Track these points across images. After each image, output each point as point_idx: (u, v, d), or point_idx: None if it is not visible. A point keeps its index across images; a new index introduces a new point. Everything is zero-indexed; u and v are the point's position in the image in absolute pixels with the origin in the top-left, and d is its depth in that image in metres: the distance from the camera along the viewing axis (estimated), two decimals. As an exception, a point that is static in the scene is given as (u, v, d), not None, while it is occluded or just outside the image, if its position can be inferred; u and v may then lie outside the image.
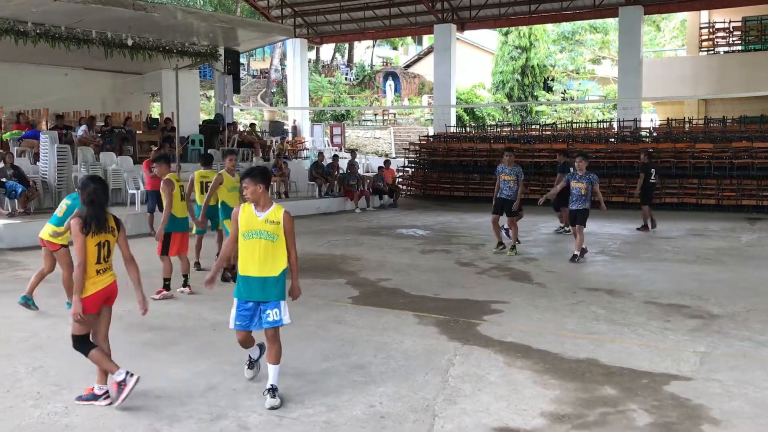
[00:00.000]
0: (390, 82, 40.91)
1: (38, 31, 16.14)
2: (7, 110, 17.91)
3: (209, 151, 19.35)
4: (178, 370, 5.72)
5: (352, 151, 23.37)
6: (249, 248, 4.94)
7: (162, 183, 8.77)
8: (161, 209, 13.03)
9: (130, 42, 17.93)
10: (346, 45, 48.35)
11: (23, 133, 16.75)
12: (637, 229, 14.77)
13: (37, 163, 15.63)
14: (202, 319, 7.42)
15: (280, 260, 4.96)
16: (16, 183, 13.72)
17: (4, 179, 13.56)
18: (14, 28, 15.75)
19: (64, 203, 7.31)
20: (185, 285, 8.71)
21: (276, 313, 4.96)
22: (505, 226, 12.40)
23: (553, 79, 40.49)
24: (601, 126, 24.32)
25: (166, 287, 8.43)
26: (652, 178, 14.93)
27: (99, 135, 17.89)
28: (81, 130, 17.25)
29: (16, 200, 13.65)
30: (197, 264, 10.13)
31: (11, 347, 6.42)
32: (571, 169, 12.24)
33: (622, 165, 19.66)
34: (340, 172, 20.36)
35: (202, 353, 6.20)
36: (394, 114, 39.11)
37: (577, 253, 10.85)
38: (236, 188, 9.22)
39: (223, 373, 5.63)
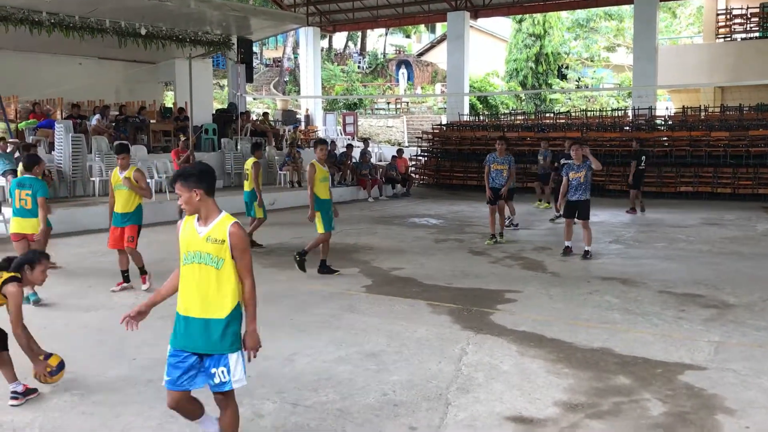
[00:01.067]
0: (403, 71, 40.77)
1: (52, 20, 16.22)
2: (23, 100, 18.02)
3: (240, 138, 19.40)
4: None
5: (365, 140, 23.34)
6: (187, 277, 3.67)
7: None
8: None
9: (143, 31, 17.99)
10: (359, 33, 48.20)
11: (38, 122, 16.86)
12: (626, 211, 15.46)
13: (52, 152, 15.73)
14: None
15: (228, 295, 3.60)
16: (32, 172, 13.80)
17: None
18: (29, 17, 15.84)
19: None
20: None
21: (223, 372, 3.65)
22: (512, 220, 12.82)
23: (567, 67, 40.20)
24: (616, 114, 24.13)
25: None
26: (642, 164, 15.71)
27: (113, 124, 17.97)
28: (95, 120, 17.33)
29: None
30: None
31: (28, 335, 6.48)
32: (566, 160, 12.02)
33: (638, 153, 19.49)
34: (353, 161, 20.35)
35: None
36: (407, 102, 38.99)
37: (589, 248, 10.30)
38: (327, 178, 9.19)
39: (237, 361, 5.66)
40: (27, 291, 7.42)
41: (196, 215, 3.65)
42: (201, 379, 3.69)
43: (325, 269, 9.16)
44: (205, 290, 3.60)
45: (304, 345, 6.08)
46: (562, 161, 12.90)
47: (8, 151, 13.83)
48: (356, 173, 20.05)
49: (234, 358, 3.64)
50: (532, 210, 16.33)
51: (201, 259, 3.60)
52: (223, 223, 3.60)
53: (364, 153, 20.61)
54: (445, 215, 15.81)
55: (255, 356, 3.72)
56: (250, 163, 11.35)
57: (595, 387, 5.10)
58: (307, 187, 9.16)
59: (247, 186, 11.20)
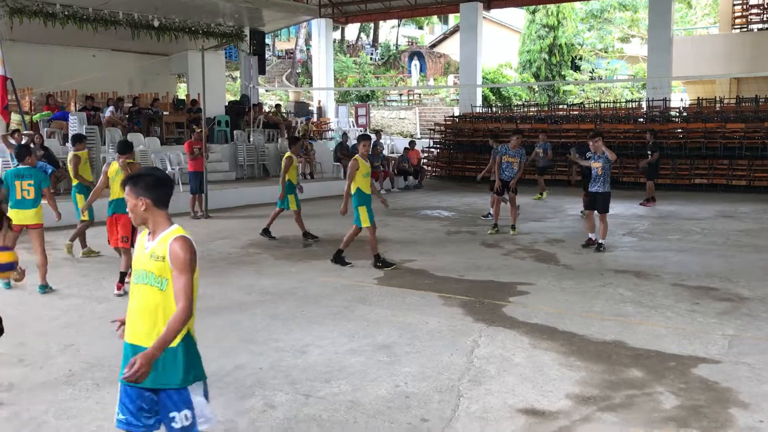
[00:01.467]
0: (415, 62, 40.62)
1: (66, 12, 16.32)
2: (37, 92, 18.13)
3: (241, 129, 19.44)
4: (204, 349, 5.77)
5: (377, 132, 23.31)
6: (134, 299, 3.21)
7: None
8: (201, 190, 13.41)
9: (156, 23, 18.05)
10: (372, 25, 48.03)
11: (53, 114, 16.96)
12: (641, 204, 15.38)
13: (66, 144, 15.81)
14: (228, 298, 7.49)
15: None
16: (46, 164, 13.89)
17: (34, 160, 13.73)
18: (43, 10, 15.94)
19: None
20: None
21: (186, 416, 3.12)
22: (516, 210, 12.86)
23: (581, 58, 39.90)
24: (630, 106, 23.95)
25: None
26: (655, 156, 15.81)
27: (126, 116, 18.05)
28: (108, 111, 17.41)
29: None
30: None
31: (44, 325, 6.55)
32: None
33: (651, 146, 19.36)
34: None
35: (227, 333, 6.27)
36: (420, 94, 38.86)
37: (603, 241, 10.28)
38: (369, 173, 9.28)
39: (249, 353, 5.69)
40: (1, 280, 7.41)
41: (148, 229, 3.20)
42: (157, 421, 3.17)
43: (339, 260, 9.16)
44: (153, 314, 3.10)
45: (317, 336, 6.10)
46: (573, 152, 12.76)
47: (23, 142, 13.90)
48: (368, 165, 19.99)
49: (196, 392, 3.17)
50: (536, 203, 16.26)
51: (146, 279, 3.14)
52: (167, 238, 3.10)
53: (376, 145, 20.55)
54: (457, 207, 15.78)
55: (129, 379, 2.96)
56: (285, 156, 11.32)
57: (608, 380, 5.09)
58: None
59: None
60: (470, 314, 6.83)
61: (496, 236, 11.56)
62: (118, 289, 7.63)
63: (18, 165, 8.21)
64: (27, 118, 15.89)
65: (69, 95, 19.03)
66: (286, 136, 21.21)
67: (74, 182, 10.21)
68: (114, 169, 8.16)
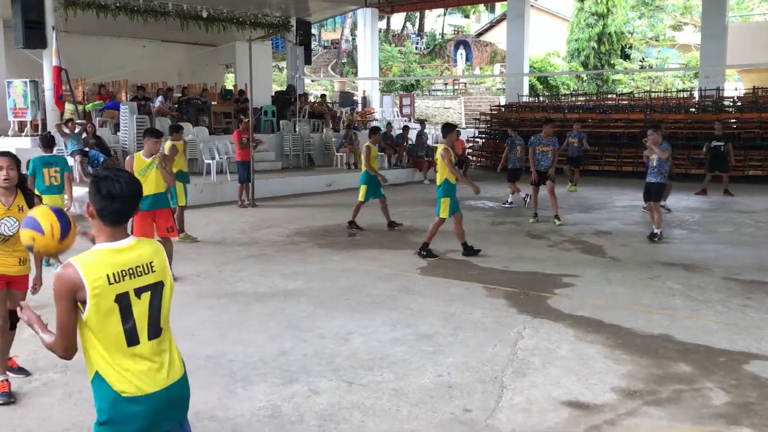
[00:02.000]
0: (461, 51, 40.33)
1: (118, 4, 16.67)
2: (90, 82, 18.59)
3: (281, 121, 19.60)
4: (250, 335, 5.88)
5: (422, 122, 23.23)
6: None
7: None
8: (248, 180, 13.56)
9: (205, 14, 18.31)
10: (417, 14, 47.84)
11: (105, 104, 17.37)
12: (697, 193, 15.30)
13: (118, 133, 16.20)
14: (274, 286, 7.58)
15: (88, 358, 2.60)
16: (99, 152, 14.27)
17: (87, 148, 14.11)
18: (96, 2, 16.32)
19: None
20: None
21: None
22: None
23: (630, 47, 39.06)
24: (681, 95, 23.36)
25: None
26: (720, 146, 15.44)
27: (175, 106, 18.37)
28: (158, 101, 17.75)
29: (98, 169, 14.22)
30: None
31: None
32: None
33: (703, 136, 18.85)
34: (409, 142, 20.28)
35: (273, 319, 6.35)
36: (465, 83, 38.58)
37: (657, 231, 10.16)
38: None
39: (293, 339, 5.76)
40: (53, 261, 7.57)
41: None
42: None
43: (426, 251, 9.04)
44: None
45: (360, 324, 6.14)
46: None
47: (77, 131, 14.29)
48: (412, 155, 19.99)
49: None
50: (574, 194, 15.99)
51: None
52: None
53: (421, 135, 20.53)
54: (502, 198, 15.63)
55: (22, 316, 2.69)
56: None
57: (655, 374, 5.00)
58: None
59: (362, 167, 11.31)
60: (515, 305, 6.78)
61: (542, 227, 11.43)
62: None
63: (45, 153, 8.55)
64: (80, 107, 16.32)
65: (120, 85, 19.46)
66: (331, 126, 21.34)
67: (174, 170, 10.07)
68: (140, 164, 7.69)
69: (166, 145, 9.95)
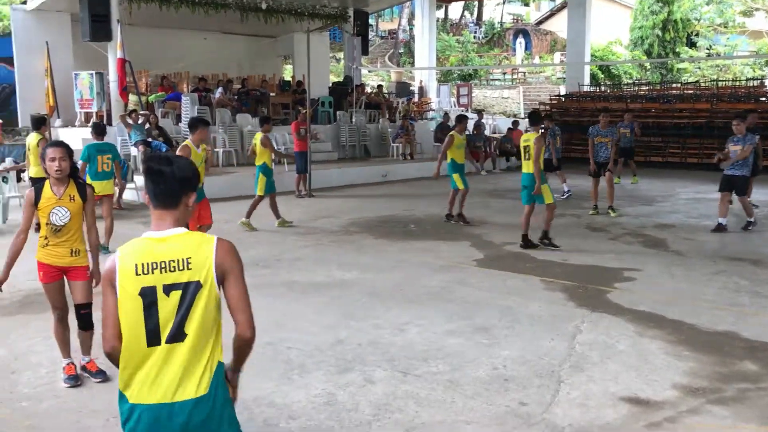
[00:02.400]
0: (520, 40, 39.72)
1: (180, -3, 17.00)
2: (152, 73, 19.03)
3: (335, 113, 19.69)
4: (306, 324, 5.94)
5: (479, 112, 23.00)
6: None
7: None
8: (305, 170, 13.75)
9: (264, 6, 18.52)
10: (476, 2, 47.33)
11: (167, 95, 17.77)
12: None
13: (179, 123, 16.55)
14: (330, 275, 7.64)
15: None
16: (161, 143, 14.62)
17: (150, 139, 14.47)
18: (158, -5, 16.66)
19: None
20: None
21: None
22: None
23: (697, 34, 37.77)
24: (751, 84, 22.49)
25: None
26: None
27: (235, 97, 18.66)
28: (218, 92, 18.06)
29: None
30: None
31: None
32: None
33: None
34: (467, 132, 20.10)
35: (329, 308, 6.40)
36: (524, 73, 38.02)
37: (751, 219, 10.17)
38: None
39: (349, 329, 5.79)
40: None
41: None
42: None
43: (547, 241, 9.05)
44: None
45: (415, 315, 6.14)
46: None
47: (140, 122, 14.67)
48: (469, 145, 19.79)
49: None
50: (634, 188, 15.56)
51: None
52: None
53: (478, 125, 20.32)
54: (561, 189, 15.38)
55: None
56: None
57: (719, 372, 4.85)
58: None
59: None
60: (573, 299, 6.67)
61: (602, 220, 11.20)
62: None
63: (99, 140, 8.96)
64: (143, 99, 16.74)
65: (182, 77, 19.87)
66: (387, 116, 21.34)
67: (259, 162, 10.26)
68: (195, 156, 7.57)
69: (256, 138, 10.40)
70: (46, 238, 4.60)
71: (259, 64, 22.94)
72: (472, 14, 49.33)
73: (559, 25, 39.03)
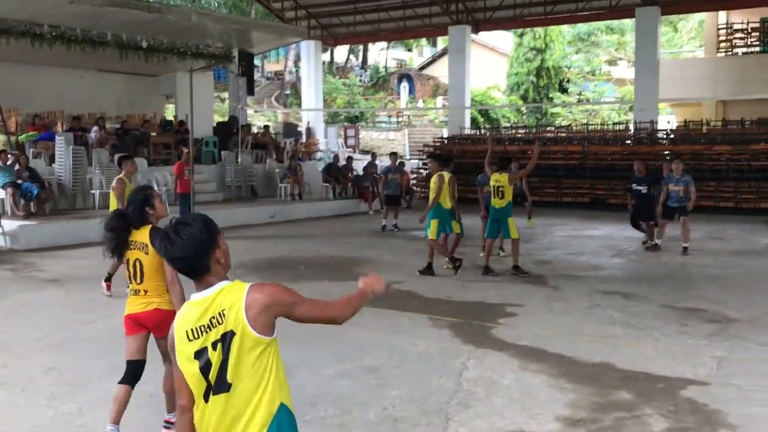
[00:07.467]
0: (404, 84, 40.86)
1: (54, 33, 16.26)
2: (24, 112, 18.04)
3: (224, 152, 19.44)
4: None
5: (373, 154, 23.31)
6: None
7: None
8: (189, 212, 13.30)
9: (144, 44, 18.04)
10: (361, 47, 48.32)
11: (39, 135, 16.87)
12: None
13: (53, 164, 15.73)
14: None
15: None
16: (32, 185, 13.82)
17: (20, 181, 13.66)
18: (30, 30, 15.87)
19: None
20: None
21: None
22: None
23: (568, 81, 40.26)
24: (617, 128, 24.13)
25: None
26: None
27: (113, 136, 17.97)
28: (93, 132, 17.34)
29: (32, 202, 13.75)
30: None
31: (26, 347, 6.44)
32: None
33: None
34: (354, 173, 20.31)
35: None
36: (409, 116, 39.06)
37: (687, 245, 11.75)
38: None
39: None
40: None
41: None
42: None
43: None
44: None
45: (305, 358, 6.03)
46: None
47: (8, 163, 13.83)
48: (357, 186, 20.00)
49: None
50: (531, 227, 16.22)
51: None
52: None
53: (371, 165, 20.52)
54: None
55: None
56: (503, 179, 9.98)
57: (597, 402, 5.04)
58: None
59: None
60: (459, 336, 6.78)
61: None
62: None
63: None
64: (13, 138, 15.81)
65: (56, 116, 18.95)
66: (274, 156, 21.21)
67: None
68: (129, 189, 7.63)
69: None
70: None
71: (140, 103, 22.24)
72: (357, 58, 50.33)
73: (441, 71, 40.45)
